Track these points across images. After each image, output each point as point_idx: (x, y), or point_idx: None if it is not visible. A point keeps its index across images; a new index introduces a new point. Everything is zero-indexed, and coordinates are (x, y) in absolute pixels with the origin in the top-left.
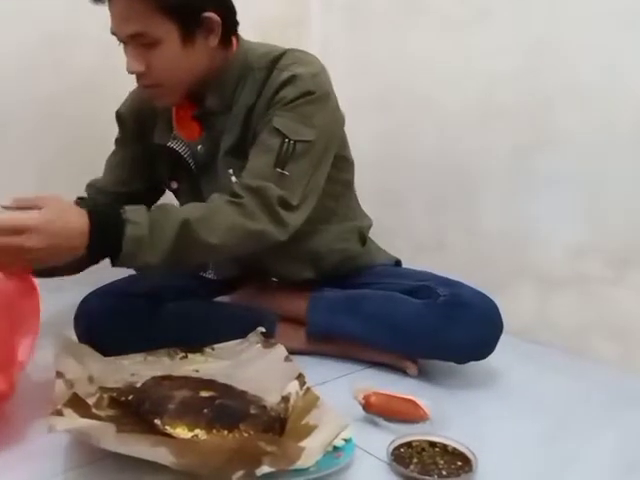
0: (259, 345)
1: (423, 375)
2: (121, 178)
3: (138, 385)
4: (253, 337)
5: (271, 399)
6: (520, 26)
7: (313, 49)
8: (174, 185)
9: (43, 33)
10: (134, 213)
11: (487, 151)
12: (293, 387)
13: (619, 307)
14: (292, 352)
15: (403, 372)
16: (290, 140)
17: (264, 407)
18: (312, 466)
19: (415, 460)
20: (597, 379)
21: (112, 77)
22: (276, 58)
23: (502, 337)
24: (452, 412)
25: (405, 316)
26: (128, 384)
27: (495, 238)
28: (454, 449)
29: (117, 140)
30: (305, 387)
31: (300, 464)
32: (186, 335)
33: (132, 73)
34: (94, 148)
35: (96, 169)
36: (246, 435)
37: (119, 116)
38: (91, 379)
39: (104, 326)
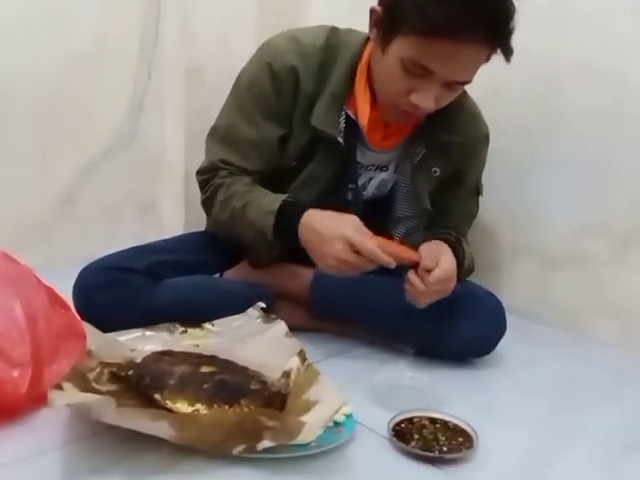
0: (259, 320)
1: (422, 353)
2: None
3: (138, 360)
4: (253, 312)
5: (272, 375)
6: (528, 2)
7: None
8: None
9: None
10: None
11: (492, 130)
12: (294, 363)
13: (620, 287)
14: (291, 329)
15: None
16: None
17: (265, 382)
18: (313, 441)
19: (416, 436)
20: (598, 358)
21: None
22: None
23: None
24: (453, 389)
25: (411, 305)
26: (128, 359)
27: (498, 216)
28: (455, 425)
29: (263, 106)
30: (306, 363)
31: (301, 439)
32: (185, 310)
33: (420, 110)
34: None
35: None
36: (247, 410)
37: (279, 74)
38: (90, 354)
39: (101, 301)
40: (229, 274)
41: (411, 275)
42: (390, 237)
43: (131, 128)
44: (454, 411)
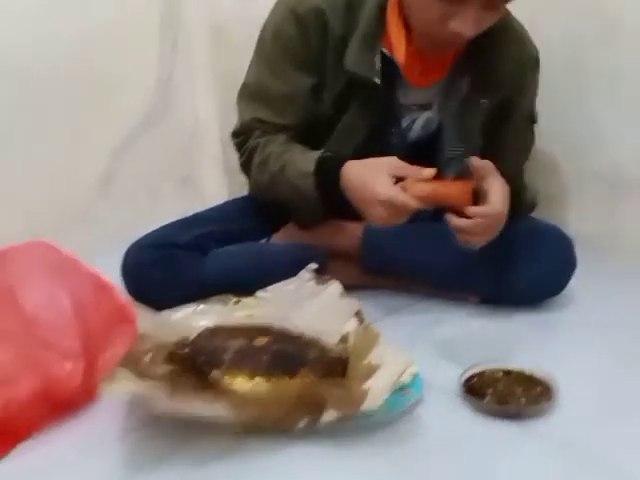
0: (312, 282)
1: (487, 299)
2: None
3: (192, 338)
4: (305, 274)
5: (330, 339)
6: None
7: None
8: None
9: None
10: None
11: (540, 47)
12: (352, 325)
13: None
14: (346, 288)
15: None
16: None
17: (323, 349)
18: (379, 407)
19: (490, 390)
20: None
21: None
22: None
23: None
24: (524, 336)
25: (467, 249)
26: (182, 337)
27: (557, 142)
28: (532, 374)
29: (291, 56)
30: (364, 325)
31: (367, 406)
32: (236, 280)
33: (461, 37)
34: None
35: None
36: (307, 380)
37: (305, 18)
38: (143, 337)
39: (150, 279)
40: (276, 238)
41: (452, 220)
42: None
43: (162, 100)
44: (529, 360)
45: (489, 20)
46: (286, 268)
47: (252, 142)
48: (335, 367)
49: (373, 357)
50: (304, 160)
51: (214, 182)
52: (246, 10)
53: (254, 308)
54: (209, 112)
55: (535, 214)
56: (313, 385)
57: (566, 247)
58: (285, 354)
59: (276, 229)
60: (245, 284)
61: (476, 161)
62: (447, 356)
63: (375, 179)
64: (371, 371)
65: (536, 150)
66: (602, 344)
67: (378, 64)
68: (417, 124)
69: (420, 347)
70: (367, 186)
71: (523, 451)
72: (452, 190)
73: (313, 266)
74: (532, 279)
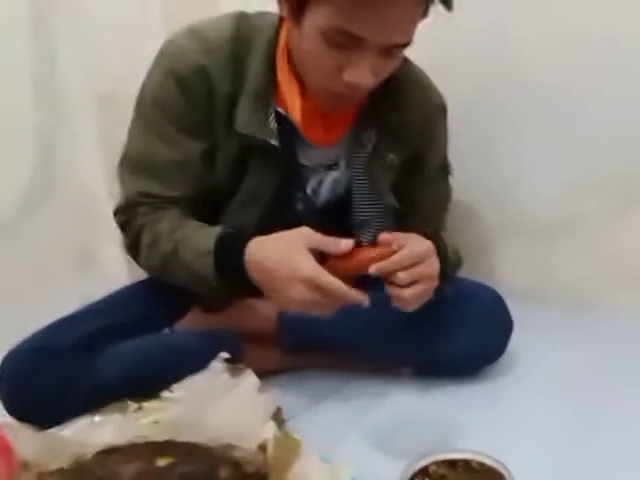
0: (226, 375)
1: (423, 372)
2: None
3: (88, 457)
4: (217, 366)
5: (247, 445)
6: None
7: None
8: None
9: None
10: None
11: (449, 94)
12: (270, 430)
13: (626, 245)
14: (266, 373)
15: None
16: None
17: (238, 464)
18: None
19: None
20: (621, 331)
21: None
22: None
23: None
24: (467, 411)
25: (398, 320)
26: (74, 459)
27: (474, 193)
28: (481, 465)
29: (175, 119)
30: (284, 431)
31: None
32: (136, 382)
33: (358, 86)
34: None
35: None
36: None
37: (187, 78)
38: (26, 465)
39: (33, 391)
40: (181, 325)
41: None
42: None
43: (46, 177)
44: (475, 440)
45: (386, 67)
46: (194, 360)
47: (139, 220)
48: None
49: (296, 474)
50: (201, 237)
51: (114, 260)
52: (135, 77)
53: (160, 412)
54: (99, 184)
55: (460, 272)
56: None
57: (500, 308)
58: (192, 478)
59: (180, 316)
60: (148, 385)
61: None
62: (385, 447)
63: (292, 254)
64: None
65: (455, 203)
66: (552, 410)
67: (273, 124)
68: (324, 186)
69: (354, 439)
70: (283, 263)
71: None
72: (374, 257)
73: (225, 355)
74: (467, 346)
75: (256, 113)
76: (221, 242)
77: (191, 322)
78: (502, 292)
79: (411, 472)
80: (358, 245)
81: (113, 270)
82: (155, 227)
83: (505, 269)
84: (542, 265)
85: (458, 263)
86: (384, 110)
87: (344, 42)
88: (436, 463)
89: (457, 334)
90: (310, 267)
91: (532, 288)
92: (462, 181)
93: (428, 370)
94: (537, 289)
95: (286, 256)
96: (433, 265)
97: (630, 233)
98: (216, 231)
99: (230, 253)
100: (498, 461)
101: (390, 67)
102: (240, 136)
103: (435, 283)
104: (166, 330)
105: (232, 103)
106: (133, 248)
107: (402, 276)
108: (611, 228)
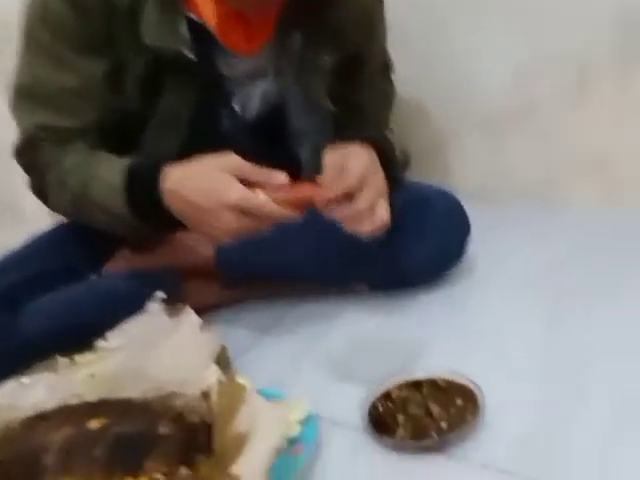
0: (164, 316)
1: (379, 286)
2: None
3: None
4: (153, 307)
5: (191, 391)
6: None
7: None
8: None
9: None
10: None
11: None
12: (213, 375)
13: (585, 135)
14: (209, 308)
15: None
16: None
17: (179, 416)
18: None
19: (402, 419)
20: (579, 226)
21: None
22: None
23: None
24: (428, 325)
25: (347, 235)
26: (4, 426)
27: (422, 89)
28: (448, 382)
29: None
30: (229, 373)
31: None
32: (64, 337)
33: None
34: None
35: None
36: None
37: None
38: None
39: None
40: (110, 269)
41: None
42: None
43: None
44: (439, 355)
45: None
46: (127, 304)
47: (42, 157)
48: (196, 440)
49: (241, 422)
50: (110, 171)
51: (35, 210)
52: None
53: (95, 364)
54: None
55: (413, 175)
56: None
57: (456, 211)
58: (126, 440)
59: (107, 259)
60: (77, 337)
61: (328, 159)
62: (341, 376)
63: (217, 181)
64: (240, 444)
65: (401, 103)
66: (516, 313)
67: (185, 32)
68: (253, 100)
69: (308, 367)
70: (207, 191)
71: None
72: (314, 192)
73: (161, 295)
74: (424, 253)
75: (164, 22)
76: (131, 174)
77: (120, 264)
78: (456, 192)
79: (372, 399)
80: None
81: (34, 219)
82: (60, 164)
83: (458, 168)
84: (497, 161)
85: (406, 163)
86: (311, 7)
87: None
88: (399, 386)
89: (412, 242)
90: (237, 191)
91: (487, 187)
92: (407, 77)
93: (383, 284)
94: (492, 187)
95: (208, 184)
96: (379, 180)
97: (585, 122)
98: (125, 162)
99: (142, 185)
100: (466, 377)
101: None
102: (148, 50)
103: (386, 196)
104: (93, 276)
105: (135, 13)
106: (40, 190)
107: (350, 212)
108: (565, 117)
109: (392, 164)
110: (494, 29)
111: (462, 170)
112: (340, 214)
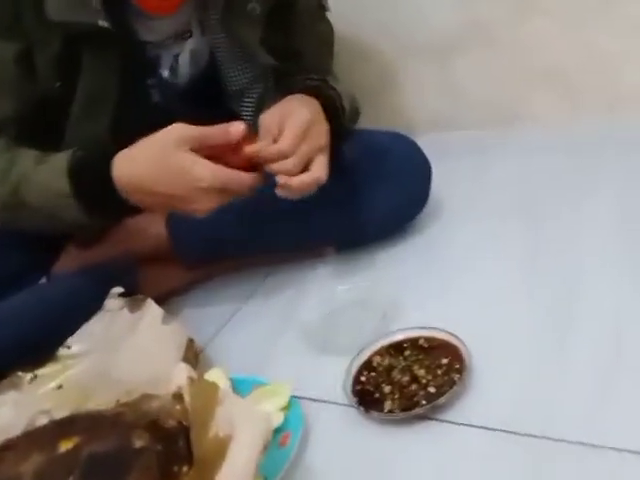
0: (125, 310)
1: (346, 247)
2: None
3: None
4: (112, 303)
5: (162, 390)
6: None
7: None
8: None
9: None
10: None
11: None
12: (183, 373)
13: (539, 49)
14: (170, 294)
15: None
16: None
17: (154, 423)
18: None
19: (387, 389)
20: (543, 141)
21: None
22: None
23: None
24: (401, 280)
25: (308, 198)
26: None
27: (362, 26)
28: (430, 340)
29: None
30: (199, 361)
31: None
32: (20, 348)
33: None
34: None
35: None
36: None
37: None
38: None
39: None
40: (57, 270)
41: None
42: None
43: None
44: (416, 310)
45: None
46: (83, 305)
47: None
48: (176, 447)
49: (219, 424)
50: (47, 173)
51: None
52: None
53: (61, 374)
54: None
55: (363, 115)
56: None
57: (414, 155)
58: (102, 460)
59: (53, 260)
60: (35, 348)
61: (264, 122)
62: (321, 349)
63: (176, 163)
64: (223, 446)
65: (342, 43)
66: (492, 252)
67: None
68: (182, 63)
69: (283, 350)
70: (172, 177)
71: (446, 452)
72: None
73: (118, 289)
74: (388, 202)
75: None
76: (75, 173)
77: (69, 263)
78: (414, 125)
79: (354, 370)
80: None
81: None
82: None
83: (412, 102)
84: (450, 88)
85: (356, 111)
86: None
87: None
88: (379, 352)
89: (375, 192)
90: (204, 170)
91: (443, 116)
92: (345, 14)
93: (351, 242)
94: (448, 116)
95: (168, 169)
96: (320, 134)
97: (533, 34)
98: (64, 161)
99: (92, 184)
100: (448, 332)
101: None
102: (58, 26)
103: (326, 151)
104: (42, 280)
105: None
106: None
107: (289, 166)
108: (514, 32)
109: (338, 114)
110: None
111: (415, 103)
112: (273, 168)
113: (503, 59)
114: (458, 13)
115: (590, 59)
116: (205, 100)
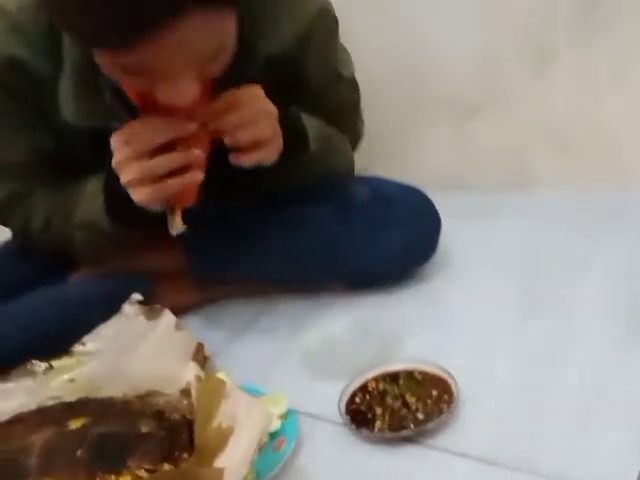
0: (141, 317)
1: (352, 285)
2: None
3: None
4: (130, 308)
5: (171, 389)
6: None
7: None
8: None
9: None
10: None
11: None
12: (192, 372)
13: (548, 113)
14: (182, 310)
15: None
16: None
17: (160, 414)
18: None
19: (379, 411)
20: (552, 206)
21: None
22: None
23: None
24: (402, 318)
25: (314, 237)
26: None
27: (385, 76)
28: (424, 374)
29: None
30: (207, 369)
31: None
32: (38, 341)
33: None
34: None
35: None
36: (140, 475)
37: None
38: None
39: None
40: (77, 277)
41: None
42: None
43: None
44: (415, 348)
45: (214, 67)
46: (101, 308)
47: (16, 220)
48: (179, 437)
49: (223, 416)
50: (87, 193)
51: None
52: None
53: (74, 369)
54: None
55: (378, 167)
56: None
57: (425, 205)
58: (107, 440)
59: (74, 267)
60: (51, 343)
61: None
62: (319, 372)
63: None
64: (223, 438)
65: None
66: (492, 304)
67: (112, 101)
68: None
69: (284, 369)
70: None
71: (429, 476)
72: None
73: (137, 297)
74: (395, 247)
75: (84, 96)
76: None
77: (88, 272)
78: (425, 181)
79: (350, 392)
80: None
81: None
82: (33, 211)
83: (425, 158)
84: (465, 147)
85: (302, 131)
86: (255, 40)
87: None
88: (375, 379)
89: (382, 236)
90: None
91: (455, 174)
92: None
93: (358, 281)
94: (460, 175)
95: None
96: (268, 103)
97: (548, 93)
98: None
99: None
100: (441, 368)
101: (216, 67)
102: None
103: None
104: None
105: (54, 85)
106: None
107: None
108: (531, 99)
109: (292, 117)
110: (451, 12)
111: (428, 159)
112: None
113: (519, 123)
114: (480, 74)
115: (601, 132)
116: None
